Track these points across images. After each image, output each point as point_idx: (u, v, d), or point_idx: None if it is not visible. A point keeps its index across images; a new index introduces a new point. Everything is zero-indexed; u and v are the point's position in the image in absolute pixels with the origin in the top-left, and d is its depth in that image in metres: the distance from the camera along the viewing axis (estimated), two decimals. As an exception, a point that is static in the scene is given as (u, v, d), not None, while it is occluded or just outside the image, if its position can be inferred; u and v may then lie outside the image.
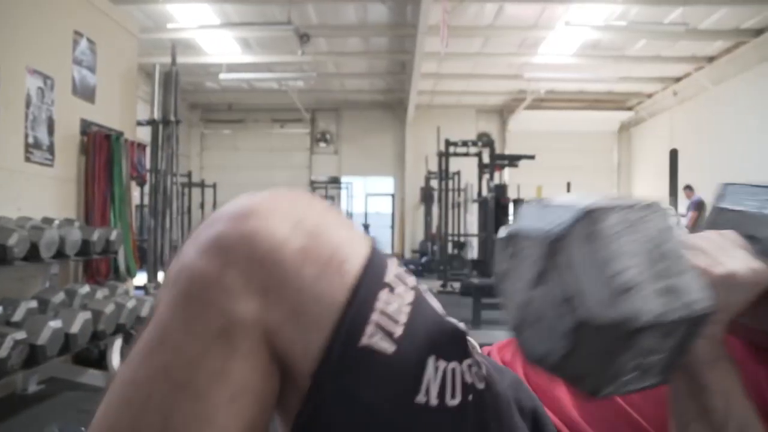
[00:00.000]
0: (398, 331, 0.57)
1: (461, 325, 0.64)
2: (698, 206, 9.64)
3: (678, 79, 13.51)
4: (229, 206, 0.59)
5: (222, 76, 12.71)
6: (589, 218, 0.51)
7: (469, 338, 0.65)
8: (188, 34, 10.60)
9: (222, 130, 17.50)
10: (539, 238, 0.53)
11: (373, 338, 0.55)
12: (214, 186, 15.80)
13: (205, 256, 0.55)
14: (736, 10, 9.54)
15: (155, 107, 4.95)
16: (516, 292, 0.56)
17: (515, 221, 0.60)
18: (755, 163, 10.28)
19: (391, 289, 0.59)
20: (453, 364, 0.59)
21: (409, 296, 0.60)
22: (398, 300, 0.58)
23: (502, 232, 0.60)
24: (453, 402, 0.58)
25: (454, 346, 0.61)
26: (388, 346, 0.56)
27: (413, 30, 9.74)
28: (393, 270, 0.61)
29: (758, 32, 10.28)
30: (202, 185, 15.57)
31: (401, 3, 9.71)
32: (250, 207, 0.57)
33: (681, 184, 11.09)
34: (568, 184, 8.40)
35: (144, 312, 3.60)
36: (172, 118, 4.90)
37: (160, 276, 4.77)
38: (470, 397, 0.59)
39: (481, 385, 0.61)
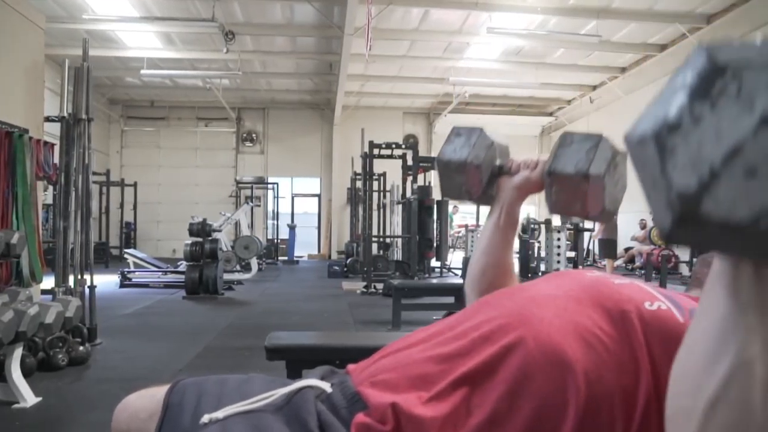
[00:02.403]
0: None
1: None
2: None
3: (594, 87, 14.21)
4: None
5: (143, 72, 12.29)
6: None
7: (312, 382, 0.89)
8: (106, 26, 10.20)
9: (143, 128, 16.88)
10: None
11: None
12: (134, 185, 15.25)
13: None
14: (643, 26, 10.20)
15: (65, 104, 4.74)
16: (716, 141, 0.45)
17: (718, 52, 0.47)
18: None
19: None
20: None
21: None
22: None
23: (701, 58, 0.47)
24: None
25: None
26: None
27: (340, 31, 9.77)
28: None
29: (663, 47, 11.03)
30: (121, 184, 15.00)
31: (328, 4, 9.71)
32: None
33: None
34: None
35: (48, 318, 3.44)
36: (84, 115, 4.70)
37: (70, 279, 4.57)
38: None
39: None
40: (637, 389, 0.71)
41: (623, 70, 12.68)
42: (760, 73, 0.44)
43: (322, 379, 0.94)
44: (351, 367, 0.95)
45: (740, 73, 0.45)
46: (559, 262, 5.31)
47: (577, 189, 1.01)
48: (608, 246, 10.20)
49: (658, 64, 11.29)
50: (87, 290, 4.62)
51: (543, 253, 7.56)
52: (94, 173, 11.11)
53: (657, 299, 0.80)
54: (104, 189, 14.25)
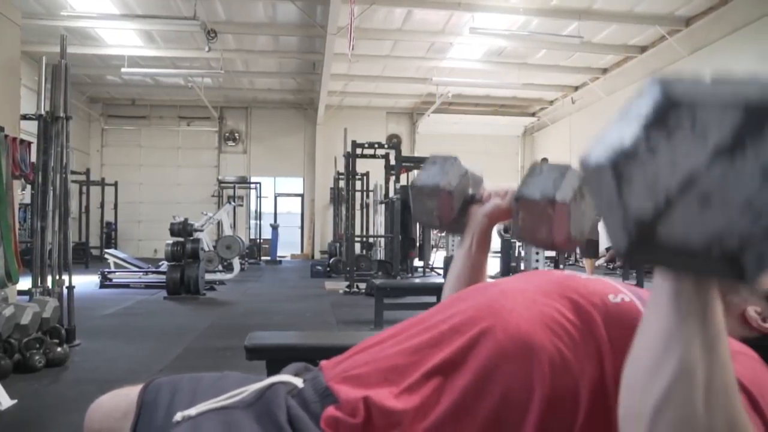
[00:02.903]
0: None
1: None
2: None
3: (576, 88, 14.33)
4: None
5: (124, 70, 12.15)
6: None
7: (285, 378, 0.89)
8: (85, 23, 10.06)
9: (124, 126, 16.71)
10: (744, 103, 0.46)
11: None
12: (115, 184, 15.08)
13: None
14: (624, 27, 10.31)
15: (42, 101, 4.66)
16: (671, 171, 0.48)
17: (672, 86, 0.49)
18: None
19: None
20: None
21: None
22: None
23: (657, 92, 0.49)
24: None
25: None
26: None
27: (323, 30, 9.75)
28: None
29: (643, 49, 11.16)
30: (102, 184, 14.82)
31: (311, 3, 9.68)
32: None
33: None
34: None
35: (24, 319, 3.40)
36: (62, 113, 4.63)
37: (48, 280, 4.50)
38: None
39: None
40: (602, 376, 0.74)
41: (604, 71, 12.82)
42: (712, 111, 0.47)
43: (296, 375, 0.94)
44: (324, 363, 0.94)
45: (694, 109, 0.47)
46: (537, 261, 5.35)
47: (542, 214, 1.02)
48: (589, 245, 10.27)
49: (639, 65, 11.42)
50: (65, 291, 4.55)
51: (523, 252, 7.63)
52: (74, 172, 10.98)
53: (621, 292, 0.84)
54: (84, 188, 14.06)
